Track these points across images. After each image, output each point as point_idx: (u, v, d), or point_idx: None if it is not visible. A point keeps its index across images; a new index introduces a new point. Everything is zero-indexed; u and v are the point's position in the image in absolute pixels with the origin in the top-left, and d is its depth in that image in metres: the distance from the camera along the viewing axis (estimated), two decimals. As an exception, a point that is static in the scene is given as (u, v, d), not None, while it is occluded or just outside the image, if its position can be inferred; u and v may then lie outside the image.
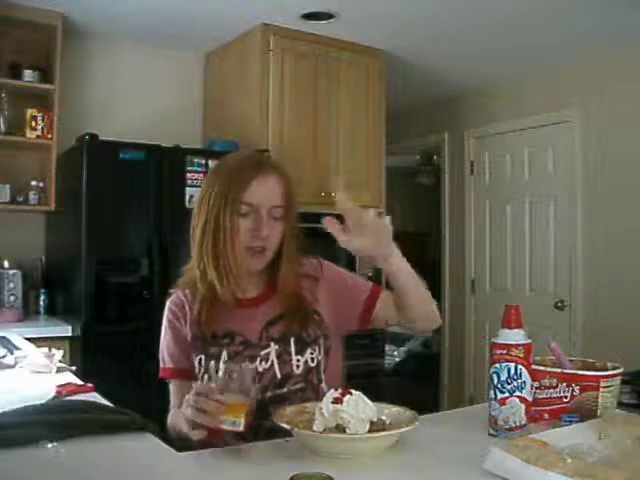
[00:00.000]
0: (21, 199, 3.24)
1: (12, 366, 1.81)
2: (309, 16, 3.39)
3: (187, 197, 3.09)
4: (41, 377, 1.71)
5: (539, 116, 4.20)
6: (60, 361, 1.84)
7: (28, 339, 2.35)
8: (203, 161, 3.14)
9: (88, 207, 2.93)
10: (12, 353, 1.91)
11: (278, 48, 3.51)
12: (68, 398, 1.45)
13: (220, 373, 1.15)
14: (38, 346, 2.07)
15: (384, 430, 1.15)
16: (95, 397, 1.49)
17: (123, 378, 2.78)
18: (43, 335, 2.77)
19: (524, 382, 1.20)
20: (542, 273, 4.23)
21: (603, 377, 1.28)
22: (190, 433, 1.15)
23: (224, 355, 1.43)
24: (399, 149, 5.09)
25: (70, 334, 2.94)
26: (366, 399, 1.16)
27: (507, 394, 1.21)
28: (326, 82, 3.67)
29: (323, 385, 1.46)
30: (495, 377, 1.22)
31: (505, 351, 1.21)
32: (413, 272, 1.40)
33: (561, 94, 4.07)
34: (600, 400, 1.26)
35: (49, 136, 3.23)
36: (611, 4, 3.08)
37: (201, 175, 3.08)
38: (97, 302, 2.95)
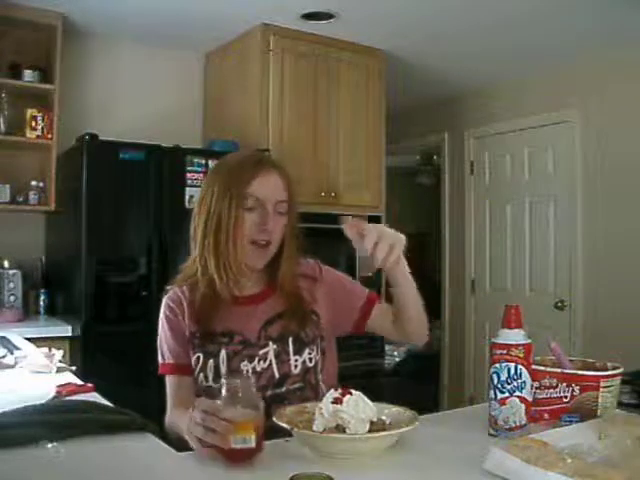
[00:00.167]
0: (21, 199, 3.25)
1: (12, 366, 1.81)
2: (309, 16, 3.39)
3: (187, 197, 3.09)
4: (41, 377, 1.71)
5: (539, 116, 4.20)
6: (60, 361, 1.84)
7: (28, 339, 2.34)
8: (203, 161, 3.14)
9: (88, 207, 2.93)
10: (12, 353, 1.91)
11: (278, 48, 3.51)
12: (68, 398, 1.45)
13: (223, 391, 1.11)
14: (38, 346, 2.07)
15: (384, 430, 1.15)
16: (95, 397, 1.49)
17: (123, 378, 2.77)
18: (43, 335, 2.77)
19: (524, 382, 1.20)
20: (542, 273, 4.23)
21: (603, 377, 1.28)
22: (200, 454, 1.10)
23: (223, 354, 1.43)
24: (399, 149, 5.09)
25: (70, 334, 2.94)
26: (366, 399, 1.16)
27: (507, 394, 1.21)
28: (326, 82, 3.67)
29: (322, 384, 1.47)
30: (495, 377, 1.22)
31: (505, 351, 1.21)
32: (415, 285, 1.42)
33: (561, 94, 4.07)
34: (600, 400, 1.26)
35: (49, 136, 3.23)
36: (611, 4, 3.08)
37: (201, 175, 3.08)
38: (97, 302, 2.95)
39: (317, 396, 1.40)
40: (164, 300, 1.53)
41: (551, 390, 1.31)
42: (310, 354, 1.46)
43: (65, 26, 3.34)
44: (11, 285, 3.12)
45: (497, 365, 1.22)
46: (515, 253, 4.42)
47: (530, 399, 1.23)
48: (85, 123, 3.37)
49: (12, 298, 3.12)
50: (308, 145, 3.59)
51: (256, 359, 1.43)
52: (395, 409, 1.24)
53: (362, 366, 3.46)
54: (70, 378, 1.69)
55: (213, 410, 1.08)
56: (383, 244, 1.27)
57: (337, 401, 1.14)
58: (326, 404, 1.15)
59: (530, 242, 4.33)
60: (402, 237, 1.31)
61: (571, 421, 1.27)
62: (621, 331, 3.56)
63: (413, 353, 5.45)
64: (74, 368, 1.90)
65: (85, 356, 2.85)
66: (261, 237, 1.42)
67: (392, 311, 1.49)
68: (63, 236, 3.29)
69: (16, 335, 2.36)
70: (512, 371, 1.20)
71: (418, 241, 5.56)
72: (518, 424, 1.20)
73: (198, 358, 1.44)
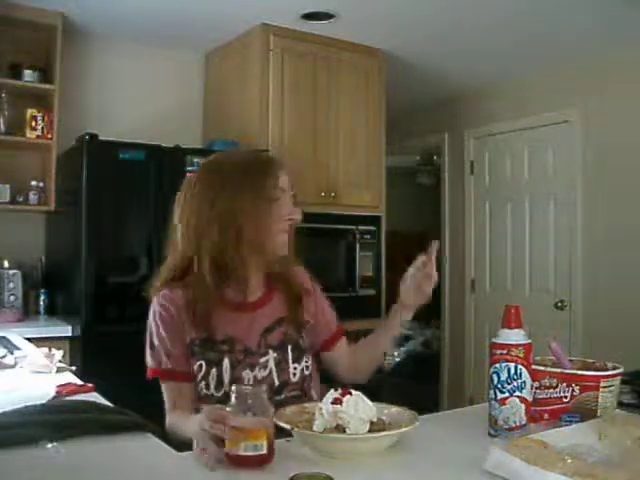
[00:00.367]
0: (21, 199, 3.24)
1: (12, 366, 1.81)
2: (309, 16, 3.39)
3: (187, 197, 3.08)
4: (41, 377, 1.71)
5: (539, 116, 4.20)
6: (60, 361, 1.84)
7: (28, 339, 2.35)
8: (203, 161, 3.14)
9: (88, 207, 2.93)
10: (12, 353, 1.91)
11: (278, 48, 3.51)
12: (68, 398, 1.45)
13: (233, 398, 1.09)
14: (38, 346, 2.07)
15: (384, 430, 1.15)
16: (95, 397, 1.49)
17: (123, 378, 2.77)
18: (43, 335, 2.77)
19: (524, 382, 1.20)
20: (542, 273, 4.23)
21: (603, 377, 1.28)
22: (208, 465, 1.05)
23: (226, 363, 1.41)
24: (399, 149, 5.09)
25: (70, 334, 2.94)
26: (366, 399, 1.16)
27: (507, 394, 1.21)
28: (326, 82, 3.67)
29: (313, 392, 1.50)
30: (495, 377, 1.22)
31: (505, 351, 1.21)
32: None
33: (561, 94, 4.07)
34: (600, 400, 1.26)
35: (49, 136, 3.23)
36: (611, 4, 3.08)
37: (201, 175, 3.08)
38: (97, 302, 2.95)
39: None
40: (156, 302, 1.47)
41: (551, 390, 1.31)
42: (307, 362, 1.50)
43: (65, 26, 3.34)
44: (11, 285, 3.12)
45: (497, 365, 1.22)
46: (515, 253, 4.42)
47: (530, 399, 1.23)
48: (85, 123, 3.37)
49: (12, 298, 3.12)
50: (308, 145, 3.59)
51: (257, 367, 1.43)
52: (395, 409, 1.24)
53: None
54: (70, 378, 1.69)
55: (222, 418, 1.06)
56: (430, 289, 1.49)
57: (337, 401, 1.14)
58: (326, 404, 1.15)
59: (530, 242, 4.32)
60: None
61: (571, 421, 1.27)
62: (621, 331, 3.56)
63: (413, 353, 5.46)
64: (74, 368, 1.90)
65: (85, 356, 2.84)
66: (297, 214, 1.48)
67: (355, 348, 1.62)
68: (63, 236, 3.29)
69: (16, 335, 2.37)
70: (512, 371, 1.20)
71: (418, 241, 5.56)
72: (518, 424, 1.20)
73: (200, 366, 1.41)
